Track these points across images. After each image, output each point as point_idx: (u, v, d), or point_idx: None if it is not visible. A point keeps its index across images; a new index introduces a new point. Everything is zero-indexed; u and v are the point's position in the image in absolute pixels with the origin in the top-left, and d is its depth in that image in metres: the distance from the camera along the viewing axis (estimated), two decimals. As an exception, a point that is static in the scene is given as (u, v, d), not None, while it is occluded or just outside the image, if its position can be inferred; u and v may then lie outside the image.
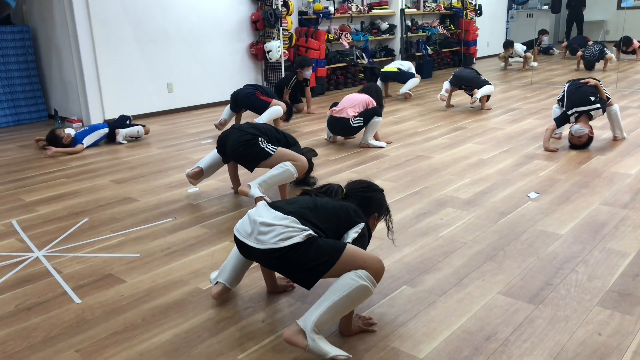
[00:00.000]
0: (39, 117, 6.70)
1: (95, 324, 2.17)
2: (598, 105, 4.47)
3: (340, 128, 4.87)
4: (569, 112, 4.54)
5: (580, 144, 4.52)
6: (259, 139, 3.36)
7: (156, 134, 5.79)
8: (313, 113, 6.61)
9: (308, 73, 6.42)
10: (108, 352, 1.98)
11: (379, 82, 7.51)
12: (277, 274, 2.36)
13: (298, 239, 1.87)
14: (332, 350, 1.84)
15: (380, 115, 4.80)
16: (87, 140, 5.18)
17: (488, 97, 6.55)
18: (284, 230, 1.90)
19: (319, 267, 1.88)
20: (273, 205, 2.05)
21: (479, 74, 6.49)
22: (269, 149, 3.35)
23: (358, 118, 4.76)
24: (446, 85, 6.57)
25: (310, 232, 1.90)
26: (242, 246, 2.04)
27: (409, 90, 7.32)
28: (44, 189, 4.01)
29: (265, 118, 5.26)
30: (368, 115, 4.77)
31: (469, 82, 6.45)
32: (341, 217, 2.05)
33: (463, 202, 3.41)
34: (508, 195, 3.50)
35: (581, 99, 4.51)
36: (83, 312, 2.26)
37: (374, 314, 2.16)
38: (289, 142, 3.55)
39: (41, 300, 2.38)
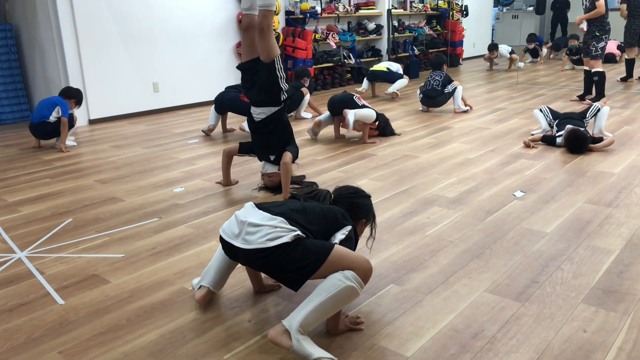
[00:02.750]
0: (21, 116, 6.61)
1: (79, 325, 2.14)
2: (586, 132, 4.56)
3: (341, 96, 5.03)
4: (555, 122, 4.70)
5: (581, 137, 4.41)
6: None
7: (142, 134, 5.75)
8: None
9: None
10: (92, 353, 1.95)
11: (365, 82, 7.53)
12: (263, 274, 2.34)
13: (286, 239, 1.86)
14: (317, 352, 1.82)
15: (377, 118, 4.98)
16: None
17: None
18: (272, 230, 1.89)
19: (306, 267, 1.87)
20: (261, 206, 2.03)
21: (443, 87, 6.23)
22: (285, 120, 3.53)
23: (360, 101, 4.98)
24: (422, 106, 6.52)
25: (298, 232, 1.89)
26: (228, 247, 2.02)
27: (397, 91, 7.34)
28: (27, 189, 3.95)
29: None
30: (370, 109, 4.96)
31: (440, 105, 6.37)
32: (329, 219, 2.05)
33: (449, 200, 3.42)
34: (494, 194, 3.52)
35: (570, 118, 4.69)
36: (66, 313, 2.23)
37: (361, 313, 2.15)
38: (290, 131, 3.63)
39: (23, 301, 2.34)
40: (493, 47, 10.34)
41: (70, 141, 5.21)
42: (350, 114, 4.82)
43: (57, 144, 5.11)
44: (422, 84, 6.47)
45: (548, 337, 1.97)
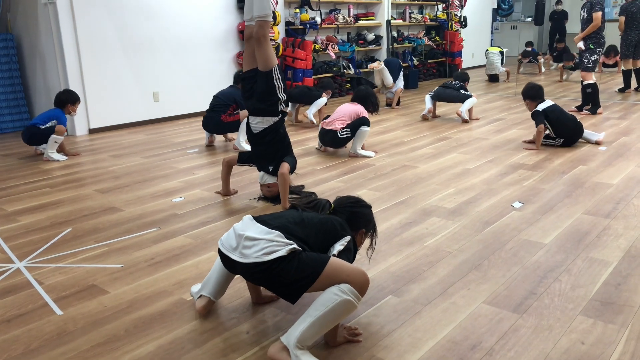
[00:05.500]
0: (22, 125, 6.62)
1: (77, 335, 2.14)
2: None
3: (330, 139, 4.93)
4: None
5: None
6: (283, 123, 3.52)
7: (141, 143, 5.76)
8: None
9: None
10: (90, 364, 1.95)
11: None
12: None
13: (282, 252, 1.87)
14: None
15: (367, 124, 4.83)
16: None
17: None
18: (268, 244, 1.90)
19: (302, 281, 1.88)
20: (259, 219, 2.05)
21: (459, 89, 6.50)
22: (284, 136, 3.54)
23: (345, 130, 4.82)
24: (428, 102, 6.59)
25: (294, 246, 1.90)
26: (226, 260, 2.03)
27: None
28: (26, 198, 3.96)
29: (241, 135, 5.22)
30: (355, 126, 4.81)
31: (451, 100, 6.54)
32: (327, 230, 2.06)
33: (448, 211, 3.42)
34: (493, 205, 3.52)
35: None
36: (65, 324, 2.22)
37: (360, 324, 2.15)
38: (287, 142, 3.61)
39: (21, 312, 2.34)
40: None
41: (58, 155, 5.12)
42: (360, 154, 4.84)
43: (47, 154, 5.09)
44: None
45: (546, 349, 1.97)
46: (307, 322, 1.85)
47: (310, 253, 1.94)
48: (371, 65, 7.86)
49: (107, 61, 6.35)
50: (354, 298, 1.87)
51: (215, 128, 5.35)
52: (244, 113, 5.21)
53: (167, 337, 2.11)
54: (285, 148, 3.55)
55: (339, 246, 2.03)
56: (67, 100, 5.24)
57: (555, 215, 3.31)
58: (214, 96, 5.41)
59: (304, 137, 5.82)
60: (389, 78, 7.48)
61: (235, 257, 1.95)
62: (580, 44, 6.58)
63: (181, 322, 2.22)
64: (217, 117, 5.24)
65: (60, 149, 5.21)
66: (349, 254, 2.04)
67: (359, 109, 4.93)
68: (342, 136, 4.82)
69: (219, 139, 5.77)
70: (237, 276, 2.44)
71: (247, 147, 4.66)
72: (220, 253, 2.04)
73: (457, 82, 6.66)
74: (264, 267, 1.88)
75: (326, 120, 4.98)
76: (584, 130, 5.08)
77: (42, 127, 5.07)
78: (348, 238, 2.08)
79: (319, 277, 1.87)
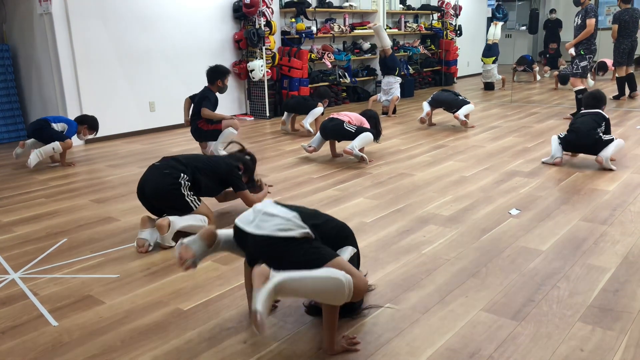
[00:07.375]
0: (17, 136, 6.61)
1: (73, 347, 2.12)
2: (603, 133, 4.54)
3: (333, 127, 4.95)
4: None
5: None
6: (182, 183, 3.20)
7: (138, 153, 5.75)
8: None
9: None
10: (85, 376, 1.93)
11: (380, 95, 7.83)
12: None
13: (295, 233, 1.93)
14: (260, 306, 1.69)
15: (374, 136, 4.90)
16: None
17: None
18: (285, 222, 1.96)
19: (305, 265, 1.88)
20: (279, 203, 2.13)
21: (457, 95, 6.54)
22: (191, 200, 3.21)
23: (352, 125, 4.88)
24: (426, 107, 6.60)
25: (308, 231, 1.96)
26: (239, 234, 2.07)
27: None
28: (22, 209, 3.93)
29: (219, 142, 5.16)
30: (362, 130, 4.86)
31: (448, 105, 6.55)
32: (340, 231, 2.16)
33: (445, 219, 3.42)
34: (490, 212, 3.52)
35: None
36: (60, 335, 2.20)
37: (357, 333, 2.14)
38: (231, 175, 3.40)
39: (16, 323, 2.32)
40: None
41: (35, 159, 5.02)
42: (355, 152, 4.80)
43: (34, 151, 5.01)
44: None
45: (545, 357, 1.96)
46: (296, 275, 1.82)
47: (321, 244, 1.99)
48: (369, 25, 8.14)
49: (103, 71, 6.35)
50: (347, 289, 1.85)
51: (195, 135, 5.35)
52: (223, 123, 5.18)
53: (164, 348, 2.09)
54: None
55: (347, 254, 2.09)
56: (87, 122, 5.34)
57: (553, 222, 3.31)
58: (190, 99, 5.43)
59: (297, 146, 5.81)
60: (385, 39, 7.66)
61: (250, 229, 1.99)
62: (572, 51, 6.64)
63: (178, 332, 2.20)
64: (195, 125, 5.23)
65: (59, 158, 5.23)
66: (353, 264, 2.09)
67: (363, 119, 5.04)
68: (346, 128, 4.86)
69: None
70: (235, 285, 2.42)
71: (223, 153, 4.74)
72: (236, 228, 2.08)
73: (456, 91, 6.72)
74: (274, 241, 1.92)
75: (334, 113, 5.08)
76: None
77: (53, 125, 5.08)
78: (355, 250, 2.16)
79: (324, 267, 1.89)
